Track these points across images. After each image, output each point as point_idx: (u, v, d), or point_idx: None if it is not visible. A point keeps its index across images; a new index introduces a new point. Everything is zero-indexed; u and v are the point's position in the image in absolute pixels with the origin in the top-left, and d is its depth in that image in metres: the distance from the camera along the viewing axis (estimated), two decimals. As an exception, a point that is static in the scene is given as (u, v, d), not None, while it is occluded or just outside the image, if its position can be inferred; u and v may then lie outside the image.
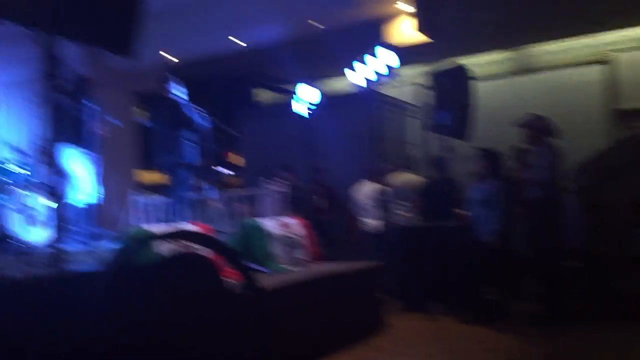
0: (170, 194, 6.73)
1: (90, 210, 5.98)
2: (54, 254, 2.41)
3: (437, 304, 6.53)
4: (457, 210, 7.08)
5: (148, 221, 7.54)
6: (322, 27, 8.96)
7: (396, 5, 8.34)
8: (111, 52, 2.39)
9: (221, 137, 10.93)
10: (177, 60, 10.09)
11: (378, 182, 7.81)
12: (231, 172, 13.90)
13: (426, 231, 6.90)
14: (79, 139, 5.57)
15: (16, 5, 2.06)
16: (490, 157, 6.40)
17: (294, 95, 8.03)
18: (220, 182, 10.34)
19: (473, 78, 7.78)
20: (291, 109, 8.52)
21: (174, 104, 6.33)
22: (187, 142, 6.52)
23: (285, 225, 6.00)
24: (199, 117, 6.37)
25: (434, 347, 5.28)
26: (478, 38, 10.50)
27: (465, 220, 6.40)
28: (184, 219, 7.24)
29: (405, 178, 7.95)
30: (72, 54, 5.36)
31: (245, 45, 9.56)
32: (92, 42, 2.57)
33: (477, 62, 11.43)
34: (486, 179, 6.24)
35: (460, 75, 7.57)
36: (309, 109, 7.46)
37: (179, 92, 6.42)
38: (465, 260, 6.32)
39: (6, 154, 6.86)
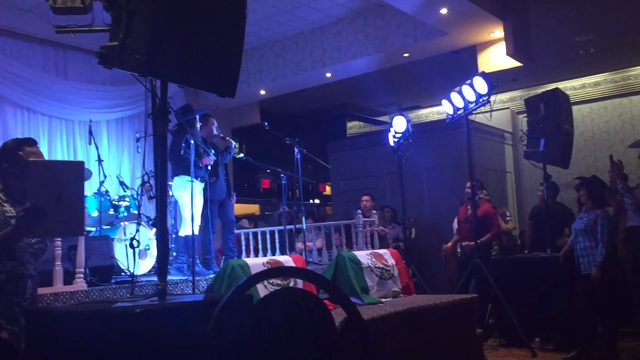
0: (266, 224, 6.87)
1: (191, 240, 6.23)
2: (158, 284, 2.53)
3: (539, 339, 6.25)
4: (560, 241, 6.82)
5: (245, 252, 7.77)
6: (410, 56, 8.99)
7: (491, 35, 8.23)
8: (217, 94, 2.52)
9: (313, 169, 11.16)
10: (263, 93, 10.40)
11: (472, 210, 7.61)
12: (323, 203, 14.09)
13: (527, 262, 6.65)
14: (183, 169, 5.80)
15: (132, 59, 2.26)
16: (591, 185, 6.07)
17: (387, 125, 8.07)
18: (314, 213, 10.52)
19: (569, 102, 7.48)
20: (381, 139, 8.55)
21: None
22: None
23: (377, 256, 5.96)
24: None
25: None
26: (574, 61, 10.17)
27: (568, 251, 6.10)
28: (279, 250, 7.42)
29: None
30: (174, 91, 5.65)
31: (335, 78, 9.73)
32: (199, 87, 2.71)
33: (572, 86, 11.10)
34: (588, 209, 5.91)
35: (555, 100, 7.24)
36: (399, 138, 7.44)
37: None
38: (568, 294, 6.03)
39: (115, 188, 7.29)
